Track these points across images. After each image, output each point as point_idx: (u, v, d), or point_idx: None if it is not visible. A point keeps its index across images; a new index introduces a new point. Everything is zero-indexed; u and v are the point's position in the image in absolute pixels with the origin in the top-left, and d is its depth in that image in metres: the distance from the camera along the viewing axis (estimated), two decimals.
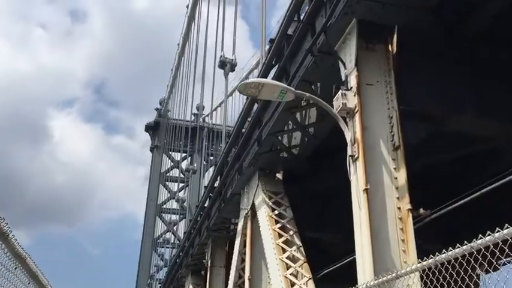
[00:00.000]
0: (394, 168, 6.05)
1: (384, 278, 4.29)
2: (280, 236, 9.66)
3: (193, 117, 54.48)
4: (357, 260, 5.85)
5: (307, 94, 6.83)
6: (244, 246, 12.56)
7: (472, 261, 3.30)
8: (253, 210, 11.77)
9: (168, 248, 58.84)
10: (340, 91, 6.38)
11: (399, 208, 5.84)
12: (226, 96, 26.92)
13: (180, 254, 23.16)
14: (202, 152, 57.65)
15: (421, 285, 4.23)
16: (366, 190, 5.76)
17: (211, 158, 55.94)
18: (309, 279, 8.63)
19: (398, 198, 5.90)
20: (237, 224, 15.38)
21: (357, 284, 5.32)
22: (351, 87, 6.37)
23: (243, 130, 12.27)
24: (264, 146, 10.49)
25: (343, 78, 6.72)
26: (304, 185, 11.70)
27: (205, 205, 17.49)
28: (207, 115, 53.18)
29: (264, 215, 10.43)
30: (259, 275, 11.12)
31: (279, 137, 10.37)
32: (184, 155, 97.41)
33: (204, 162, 57.43)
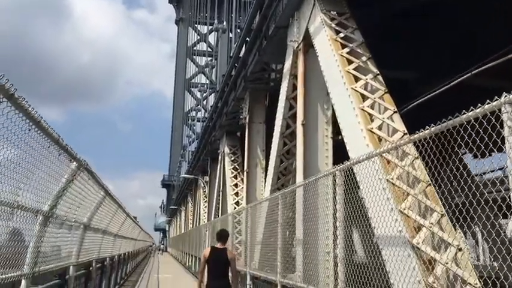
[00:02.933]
0: None
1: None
2: (350, 62, 7.25)
3: None
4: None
5: None
6: (294, 90, 10.31)
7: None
8: (306, 41, 9.25)
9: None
10: None
11: None
12: None
13: (213, 115, 21.39)
14: (231, 21, 53.81)
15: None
16: None
17: (239, 30, 52.17)
18: (394, 112, 6.37)
19: None
20: (278, 72, 13.01)
21: None
22: None
23: None
24: None
25: None
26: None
27: (241, 55, 15.04)
28: None
29: (324, 40, 7.92)
30: (315, 119, 9.00)
31: None
32: (210, 27, 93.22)
33: (231, 35, 53.96)
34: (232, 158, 18.70)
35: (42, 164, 4.36)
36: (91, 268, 9.88)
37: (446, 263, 4.36)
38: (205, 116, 50.13)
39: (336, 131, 9.05)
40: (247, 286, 10.10)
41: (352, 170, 5.48)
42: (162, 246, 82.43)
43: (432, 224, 4.79)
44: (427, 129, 3.80)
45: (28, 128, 3.81)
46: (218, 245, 7.51)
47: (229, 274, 7.40)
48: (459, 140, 3.31)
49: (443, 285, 4.31)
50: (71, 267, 7.23)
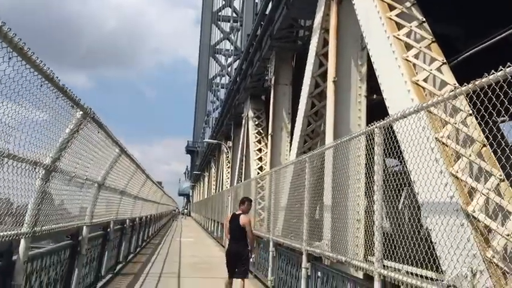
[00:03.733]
0: None
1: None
2: (392, 8, 6.39)
3: None
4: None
5: None
6: (324, 45, 9.49)
7: None
8: None
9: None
10: None
11: None
12: None
13: (238, 78, 20.65)
14: None
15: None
16: None
17: None
18: (443, 63, 5.55)
19: None
20: (307, 29, 12.13)
21: None
22: None
23: None
24: None
25: None
26: None
27: (267, 12, 14.13)
28: None
29: None
30: (347, 76, 8.22)
31: None
32: None
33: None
34: (256, 122, 18.05)
35: (38, 108, 3.80)
36: (109, 230, 9.62)
37: (508, 235, 3.67)
38: (230, 82, 49.35)
39: (370, 89, 8.28)
40: (270, 253, 9.63)
41: (391, 128, 4.77)
42: (185, 211, 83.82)
43: (489, 189, 4.07)
44: (486, 77, 3.06)
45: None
46: (238, 211, 8.33)
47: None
48: None
49: (504, 260, 3.64)
50: (84, 227, 6.91)
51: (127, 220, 12.64)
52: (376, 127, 4.79)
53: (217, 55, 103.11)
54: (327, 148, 7.07)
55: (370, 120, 7.44)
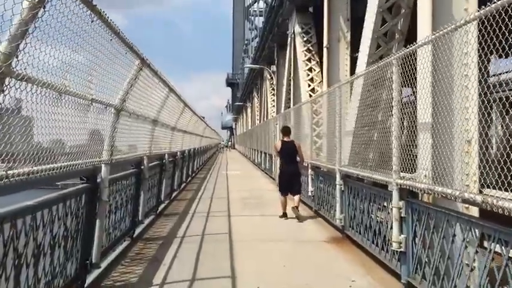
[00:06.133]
0: None
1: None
2: None
3: None
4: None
5: None
6: None
7: None
8: None
9: None
10: None
11: None
12: None
13: None
14: None
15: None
16: None
17: None
18: None
19: None
20: None
21: None
22: None
23: None
24: None
25: None
26: None
27: None
28: None
29: None
30: None
31: None
32: None
33: None
34: (305, 38, 15.70)
35: (110, 60, 4.42)
36: (164, 161, 10.54)
37: None
38: (267, 14, 46.09)
39: None
40: (337, 186, 7.89)
41: None
42: (229, 143, 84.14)
43: None
44: None
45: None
46: (285, 139, 9.77)
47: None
48: None
49: None
50: (145, 158, 7.87)
51: (178, 152, 13.26)
52: None
53: None
54: (421, 45, 4.97)
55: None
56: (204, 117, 36.20)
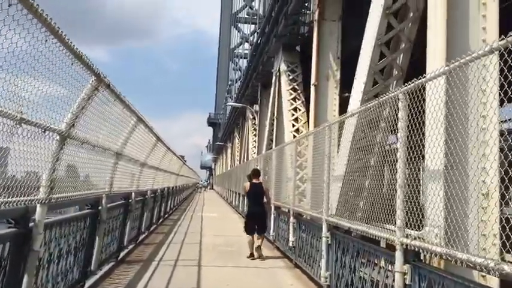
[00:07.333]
0: None
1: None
2: None
3: None
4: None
5: None
6: None
7: None
8: None
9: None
10: None
11: None
12: None
13: (267, 25, 17.50)
14: None
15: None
16: None
17: None
18: None
19: None
20: None
21: None
22: None
23: None
24: None
25: None
26: None
27: None
28: None
29: None
30: None
31: None
32: None
33: None
34: (291, 77, 15.06)
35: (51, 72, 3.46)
36: (130, 200, 9.41)
37: None
38: (252, 52, 46.32)
39: None
40: (323, 239, 6.90)
41: None
42: (206, 183, 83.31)
43: None
44: None
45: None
46: (254, 180, 10.16)
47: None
48: None
49: None
50: (104, 196, 6.72)
51: (148, 191, 12.01)
52: None
53: (239, 24, 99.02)
54: (434, 77, 4.15)
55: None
56: (183, 156, 35.10)
